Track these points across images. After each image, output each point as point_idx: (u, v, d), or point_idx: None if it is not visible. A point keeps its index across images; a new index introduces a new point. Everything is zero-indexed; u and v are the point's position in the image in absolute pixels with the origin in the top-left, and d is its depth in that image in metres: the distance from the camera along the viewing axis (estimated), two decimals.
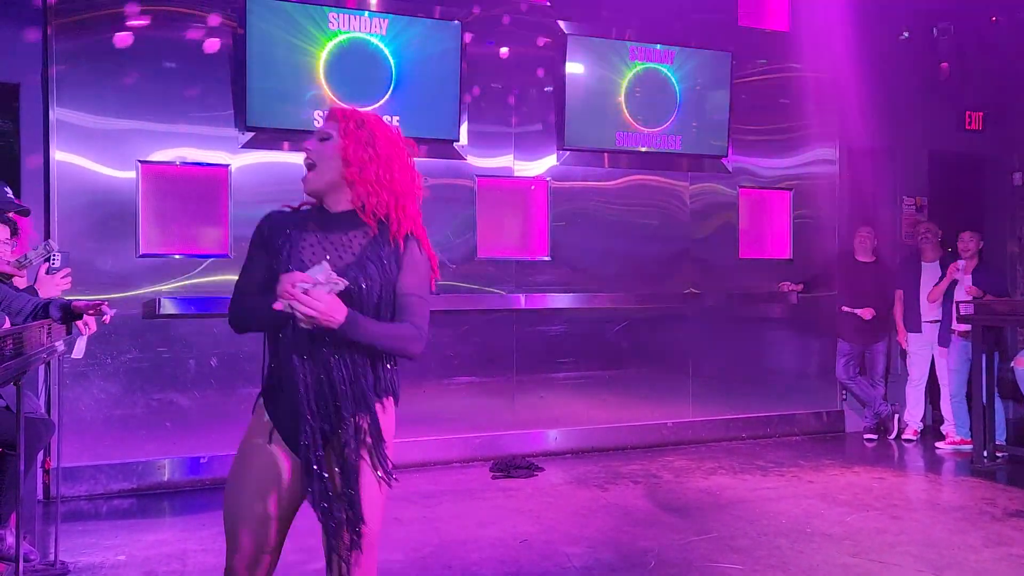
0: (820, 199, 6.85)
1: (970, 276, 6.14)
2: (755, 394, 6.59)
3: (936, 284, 6.31)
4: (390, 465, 2.08)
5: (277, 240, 2.08)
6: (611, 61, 6.06)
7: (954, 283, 6.20)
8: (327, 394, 2.03)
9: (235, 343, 5.08)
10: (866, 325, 6.48)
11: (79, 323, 3.11)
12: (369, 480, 2.05)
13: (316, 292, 1.90)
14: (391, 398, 2.15)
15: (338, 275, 1.96)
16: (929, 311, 6.40)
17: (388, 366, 2.14)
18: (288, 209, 2.18)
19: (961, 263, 6.14)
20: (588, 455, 5.95)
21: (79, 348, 3.24)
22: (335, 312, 1.91)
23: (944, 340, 6.28)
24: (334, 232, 2.09)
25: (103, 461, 4.93)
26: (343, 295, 1.96)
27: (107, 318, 3.12)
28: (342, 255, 2.06)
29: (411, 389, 5.55)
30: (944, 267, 6.33)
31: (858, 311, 6.46)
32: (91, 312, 3.12)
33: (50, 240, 3.80)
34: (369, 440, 2.05)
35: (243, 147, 5.26)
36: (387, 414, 2.12)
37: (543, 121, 6.00)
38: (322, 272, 1.92)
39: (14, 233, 3.64)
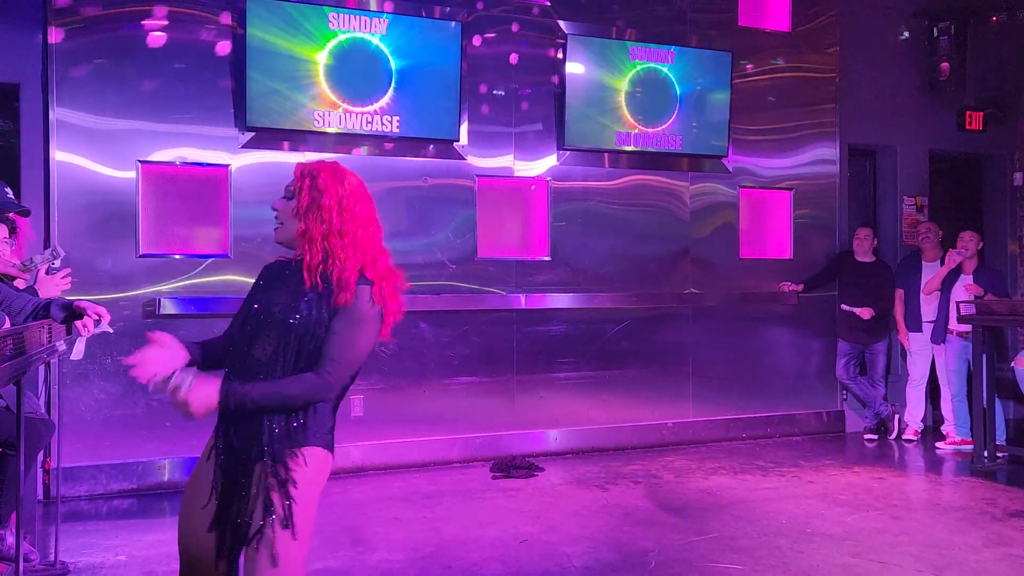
0: (820, 199, 6.85)
1: (971, 276, 6.14)
2: (755, 394, 6.59)
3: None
4: (296, 512, 2.05)
5: (256, 286, 2.26)
6: (611, 61, 6.06)
7: (952, 277, 6.18)
8: (237, 443, 2.12)
9: None
10: (866, 325, 6.48)
11: (79, 324, 3.10)
12: (276, 527, 2.05)
13: (184, 387, 2.00)
14: (315, 445, 2.13)
15: (284, 312, 2.10)
16: (930, 311, 6.40)
17: (309, 412, 2.13)
18: (283, 261, 2.28)
19: (962, 251, 6.12)
20: (588, 455, 5.95)
21: (78, 349, 3.23)
22: (203, 398, 2.01)
23: (937, 337, 6.28)
24: (297, 277, 2.16)
25: (103, 461, 4.94)
26: (274, 325, 2.09)
27: (104, 326, 3.12)
28: (292, 296, 2.14)
29: (411, 389, 5.58)
30: None
31: (857, 311, 6.45)
32: (91, 316, 3.11)
33: (56, 246, 3.79)
34: (276, 489, 2.06)
35: (243, 147, 5.26)
36: (309, 463, 2.10)
37: (543, 121, 5.99)
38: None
39: (12, 232, 3.65)
